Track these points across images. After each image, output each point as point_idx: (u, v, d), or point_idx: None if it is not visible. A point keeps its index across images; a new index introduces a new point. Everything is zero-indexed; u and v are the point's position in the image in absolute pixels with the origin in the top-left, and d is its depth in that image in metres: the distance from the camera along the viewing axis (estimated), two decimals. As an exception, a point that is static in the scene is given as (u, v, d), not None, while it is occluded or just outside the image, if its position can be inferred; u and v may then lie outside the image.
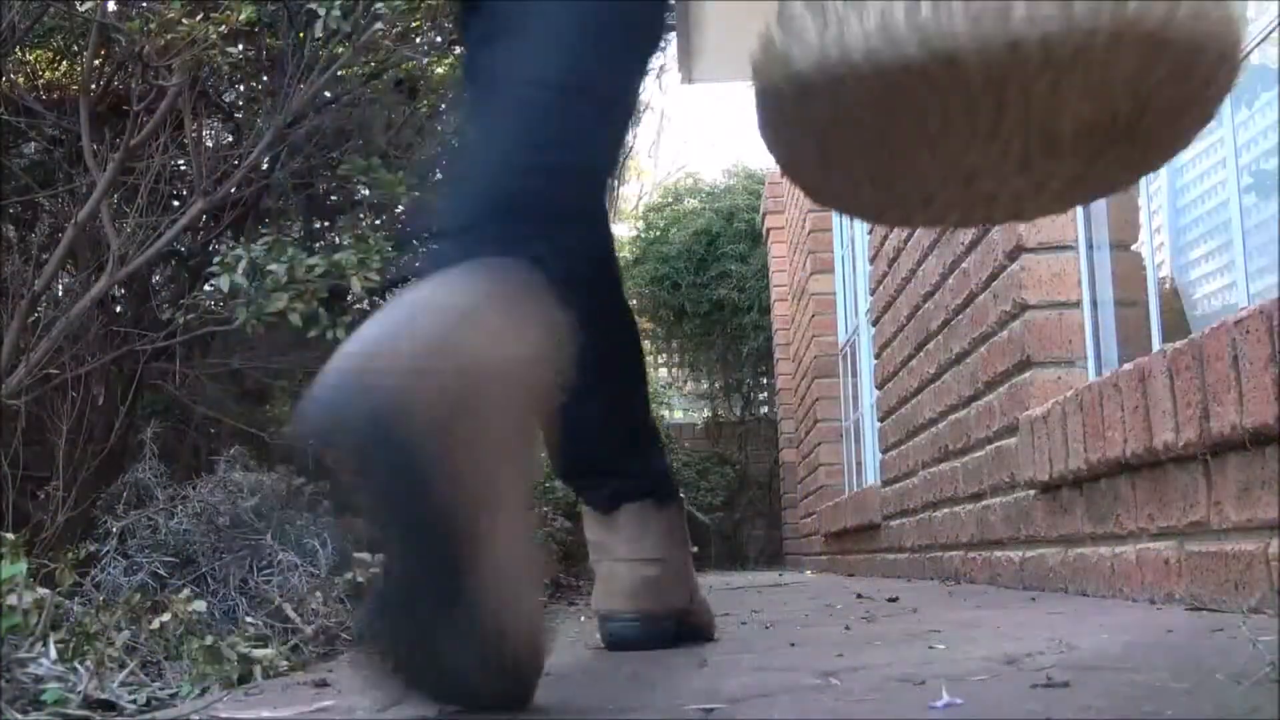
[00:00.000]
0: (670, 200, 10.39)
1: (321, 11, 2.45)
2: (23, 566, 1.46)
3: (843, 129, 1.03)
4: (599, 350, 1.33)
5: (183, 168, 3.06)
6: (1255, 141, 2.03)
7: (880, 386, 4.53)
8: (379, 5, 2.51)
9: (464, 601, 0.83)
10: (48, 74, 3.16)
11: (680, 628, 1.60)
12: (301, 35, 2.74)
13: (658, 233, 9.90)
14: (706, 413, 9.92)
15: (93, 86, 2.70)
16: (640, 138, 13.26)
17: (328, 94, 2.90)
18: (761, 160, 9.65)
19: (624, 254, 9.42)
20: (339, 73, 2.72)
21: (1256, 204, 1.99)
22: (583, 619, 2.64)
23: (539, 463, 1.16)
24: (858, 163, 1.08)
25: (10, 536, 1.54)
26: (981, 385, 2.92)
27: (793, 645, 1.56)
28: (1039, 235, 2.56)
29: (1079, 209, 2.55)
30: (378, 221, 3.41)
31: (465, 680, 0.90)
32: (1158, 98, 0.97)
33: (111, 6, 2.52)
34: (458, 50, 3.34)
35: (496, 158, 1.09)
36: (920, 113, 0.96)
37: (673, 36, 1.55)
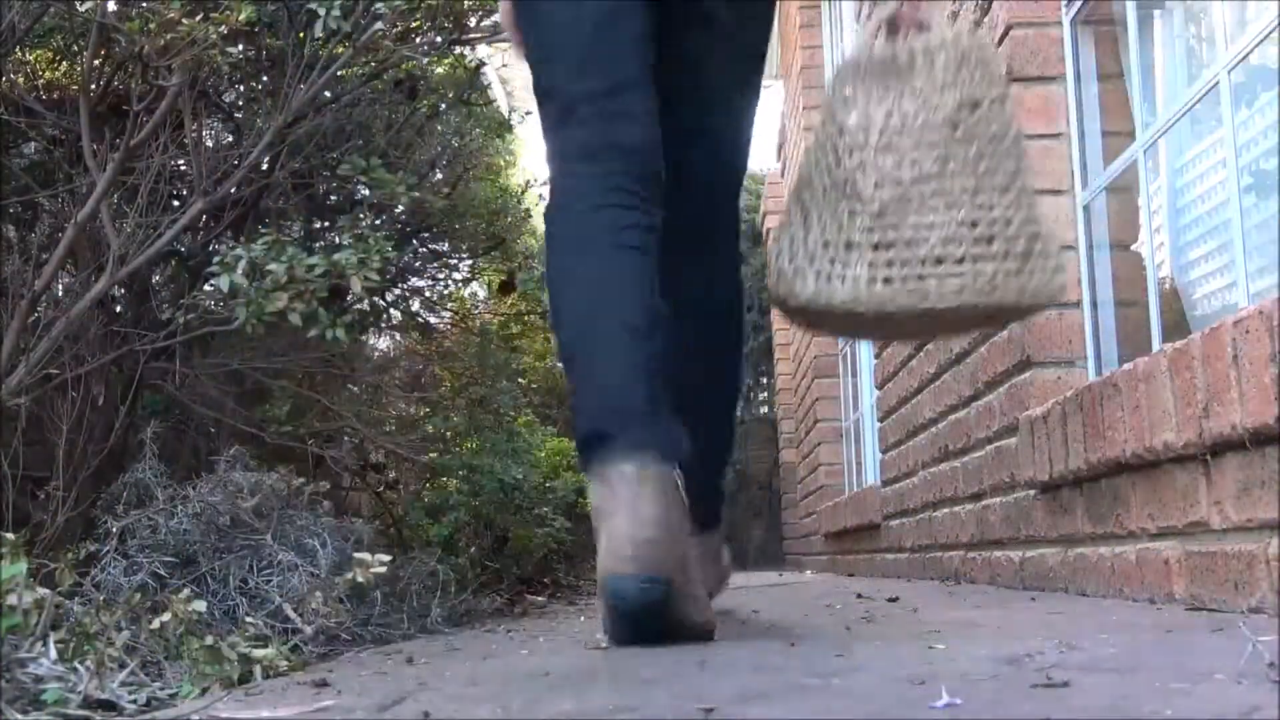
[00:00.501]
0: (670, 200, 10.35)
1: (321, 11, 2.45)
2: (23, 566, 1.46)
3: (823, 322, 1.87)
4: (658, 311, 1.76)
5: (183, 168, 3.06)
6: (1255, 141, 2.03)
7: (880, 386, 4.53)
8: (379, 5, 2.51)
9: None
10: (48, 74, 3.16)
11: (672, 594, 1.54)
12: (301, 35, 2.74)
13: (658, 233, 9.87)
14: (706, 413, 9.90)
15: (93, 86, 2.70)
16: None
17: (328, 94, 2.90)
18: (761, 161, 9.64)
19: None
20: (339, 73, 2.71)
21: (1256, 204, 1.99)
22: (583, 619, 2.64)
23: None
24: (830, 328, 2.23)
25: (10, 536, 1.54)
26: (981, 385, 2.92)
27: (793, 645, 1.56)
28: (1039, 235, 2.56)
29: (1079, 208, 2.56)
30: (378, 221, 3.41)
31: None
32: (1009, 314, 1.84)
33: (111, 6, 2.52)
34: (457, 50, 3.34)
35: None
36: (872, 324, 1.76)
37: None
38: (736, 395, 2.22)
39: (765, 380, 9.88)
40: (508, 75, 5.59)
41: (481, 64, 3.55)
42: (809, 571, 6.77)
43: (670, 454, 1.59)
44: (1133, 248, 2.58)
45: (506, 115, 4.27)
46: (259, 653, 1.61)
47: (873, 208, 1.64)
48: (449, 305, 4.59)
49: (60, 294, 2.87)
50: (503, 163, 5.17)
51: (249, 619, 1.95)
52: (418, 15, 2.77)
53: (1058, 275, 1.71)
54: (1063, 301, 2.51)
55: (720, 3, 1.94)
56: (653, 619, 1.54)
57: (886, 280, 1.63)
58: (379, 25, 2.52)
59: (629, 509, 1.51)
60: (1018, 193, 1.67)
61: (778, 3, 2.07)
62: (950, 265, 1.62)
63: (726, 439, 2.20)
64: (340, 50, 2.60)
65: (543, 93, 1.84)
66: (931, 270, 1.61)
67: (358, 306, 3.36)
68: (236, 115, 3.31)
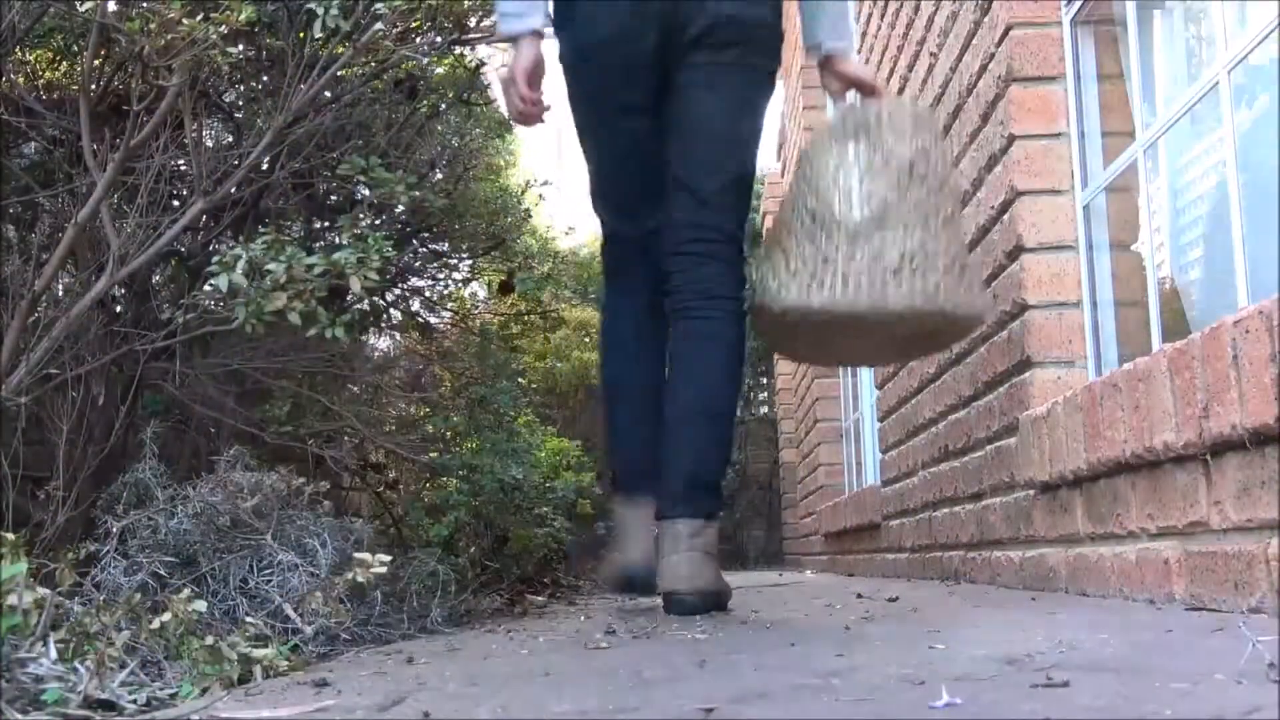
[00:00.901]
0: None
1: (320, 11, 2.45)
2: (23, 566, 1.46)
3: (798, 329, 2.21)
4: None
5: (183, 168, 3.06)
6: (1255, 142, 2.03)
7: (880, 386, 4.53)
8: (379, 5, 2.51)
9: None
10: (48, 74, 3.16)
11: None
12: (301, 35, 2.74)
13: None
14: (706, 412, 9.89)
15: (93, 86, 2.70)
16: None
17: (328, 94, 2.90)
18: (762, 160, 9.64)
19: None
20: (339, 73, 2.71)
21: (1256, 204, 1.99)
22: (583, 618, 2.64)
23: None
24: (801, 343, 2.50)
25: (10, 536, 1.54)
26: (981, 385, 2.92)
27: (793, 645, 1.56)
28: (1039, 235, 2.56)
29: (1079, 208, 2.56)
30: (377, 221, 3.41)
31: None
32: (945, 329, 2.23)
33: (112, 6, 2.51)
34: (457, 50, 3.34)
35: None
36: (839, 327, 2.14)
37: None
38: (735, 397, 2.48)
39: (765, 380, 9.88)
40: (508, 75, 5.55)
41: (481, 64, 3.54)
42: (809, 571, 6.77)
43: (655, 499, 2.33)
44: (1133, 248, 2.57)
45: (506, 115, 4.27)
46: (259, 653, 1.61)
47: (850, 228, 2.10)
48: (449, 305, 4.59)
49: (60, 294, 2.87)
50: (503, 163, 5.17)
51: (249, 619, 1.95)
52: (417, 15, 2.77)
53: (984, 296, 2.30)
54: (1064, 303, 2.52)
55: (722, 75, 2.33)
56: (648, 591, 2.38)
57: (857, 285, 2.07)
58: (379, 25, 2.52)
59: (635, 527, 2.40)
60: (954, 228, 2.17)
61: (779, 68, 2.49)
62: (905, 274, 2.07)
63: (726, 439, 2.47)
64: (340, 50, 2.60)
65: (594, 206, 2.57)
66: (890, 278, 2.07)
67: (358, 306, 3.36)
68: (236, 115, 3.31)
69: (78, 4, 2.52)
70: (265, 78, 3.12)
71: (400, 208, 3.54)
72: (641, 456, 2.41)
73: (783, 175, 8.13)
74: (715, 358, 2.33)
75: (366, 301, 3.34)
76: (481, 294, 5.00)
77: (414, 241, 4.02)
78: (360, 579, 2.09)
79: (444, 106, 3.54)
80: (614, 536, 2.48)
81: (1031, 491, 2.53)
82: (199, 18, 2.26)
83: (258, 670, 1.57)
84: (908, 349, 2.55)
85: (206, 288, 3.11)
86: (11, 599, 1.41)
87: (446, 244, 4.18)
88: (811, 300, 2.08)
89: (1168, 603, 1.82)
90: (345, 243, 2.52)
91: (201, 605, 1.72)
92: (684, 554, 2.20)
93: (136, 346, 2.82)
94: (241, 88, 3.30)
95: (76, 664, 1.37)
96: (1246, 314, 1.53)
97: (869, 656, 1.34)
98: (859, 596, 2.84)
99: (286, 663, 1.64)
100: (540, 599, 3.84)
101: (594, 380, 7.25)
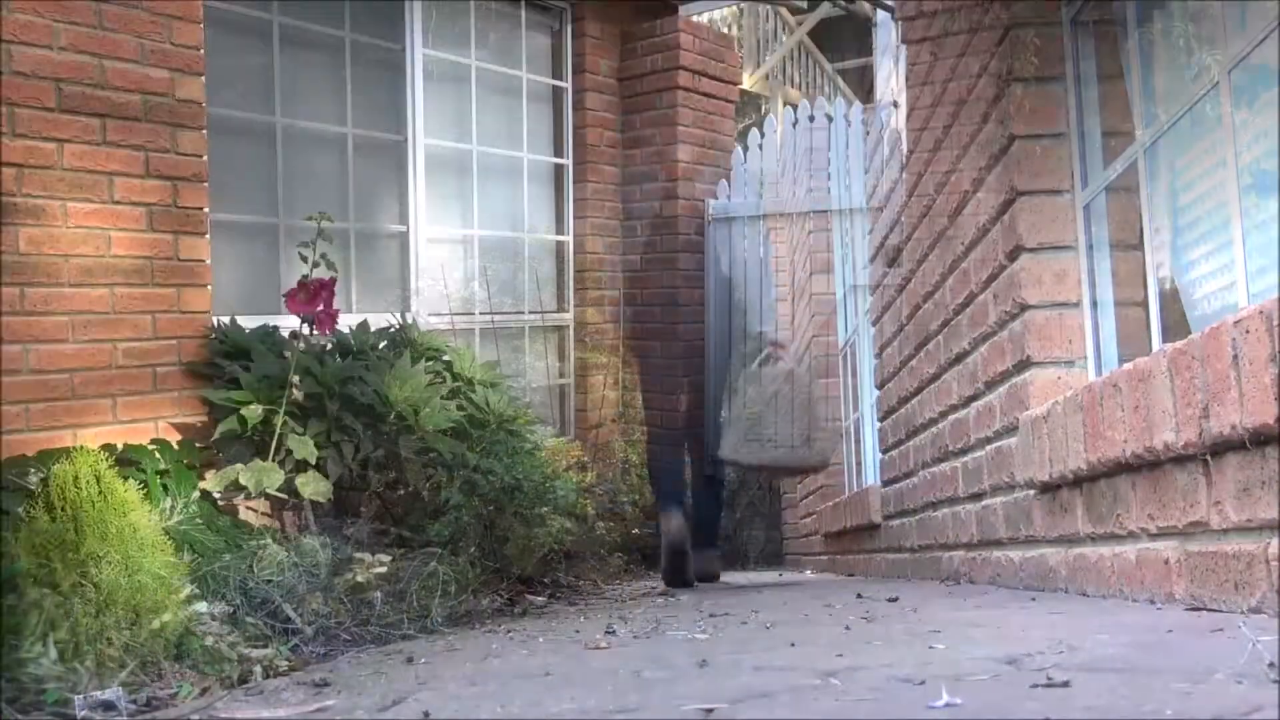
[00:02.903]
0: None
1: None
2: (22, 566, 1.46)
3: (738, 466, 5.51)
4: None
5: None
6: (1255, 141, 2.03)
7: (880, 386, 4.53)
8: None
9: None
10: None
11: (689, 550, 4.99)
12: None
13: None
14: (707, 413, 9.89)
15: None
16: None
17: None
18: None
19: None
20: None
21: (1256, 204, 1.99)
22: (583, 619, 2.64)
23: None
24: (742, 469, 6.23)
25: (10, 536, 1.54)
26: (981, 385, 2.92)
27: (793, 645, 1.56)
28: (1039, 235, 2.56)
29: (1079, 208, 2.56)
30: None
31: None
32: (803, 468, 5.74)
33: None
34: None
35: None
36: (754, 468, 5.73)
37: None
38: (720, 514, 5.43)
39: (765, 380, 9.87)
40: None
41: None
42: (809, 571, 6.77)
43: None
44: (1133, 248, 2.57)
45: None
46: (259, 653, 1.61)
47: (744, 421, 4.79)
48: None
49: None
50: (503, 163, 5.14)
51: (249, 619, 1.95)
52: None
53: (828, 454, 5.24)
54: (1064, 303, 2.52)
55: None
56: (683, 557, 4.89)
57: (751, 449, 4.85)
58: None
59: (677, 527, 4.91)
60: (808, 414, 4.92)
61: None
62: (776, 444, 4.82)
63: (718, 529, 5.35)
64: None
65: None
66: (765, 445, 4.84)
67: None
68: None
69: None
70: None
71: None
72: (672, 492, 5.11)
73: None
74: (712, 501, 5.34)
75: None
76: (481, 294, 4.99)
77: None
78: (360, 579, 2.10)
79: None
80: (662, 521, 4.99)
81: (1031, 491, 2.53)
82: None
83: (258, 670, 1.57)
84: (789, 474, 6.18)
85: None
86: (11, 599, 1.41)
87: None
88: (736, 457, 4.90)
89: (1168, 603, 1.82)
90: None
91: (202, 605, 1.72)
92: (708, 563, 5.03)
93: (136, 346, 2.81)
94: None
95: (76, 664, 1.37)
96: (1246, 314, 1.53)
97: (869, 656, 1.34)
98: (859, 596, 2.84)
99: (286, 663, 1.64)
100: (540, 599, 3.84)
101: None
